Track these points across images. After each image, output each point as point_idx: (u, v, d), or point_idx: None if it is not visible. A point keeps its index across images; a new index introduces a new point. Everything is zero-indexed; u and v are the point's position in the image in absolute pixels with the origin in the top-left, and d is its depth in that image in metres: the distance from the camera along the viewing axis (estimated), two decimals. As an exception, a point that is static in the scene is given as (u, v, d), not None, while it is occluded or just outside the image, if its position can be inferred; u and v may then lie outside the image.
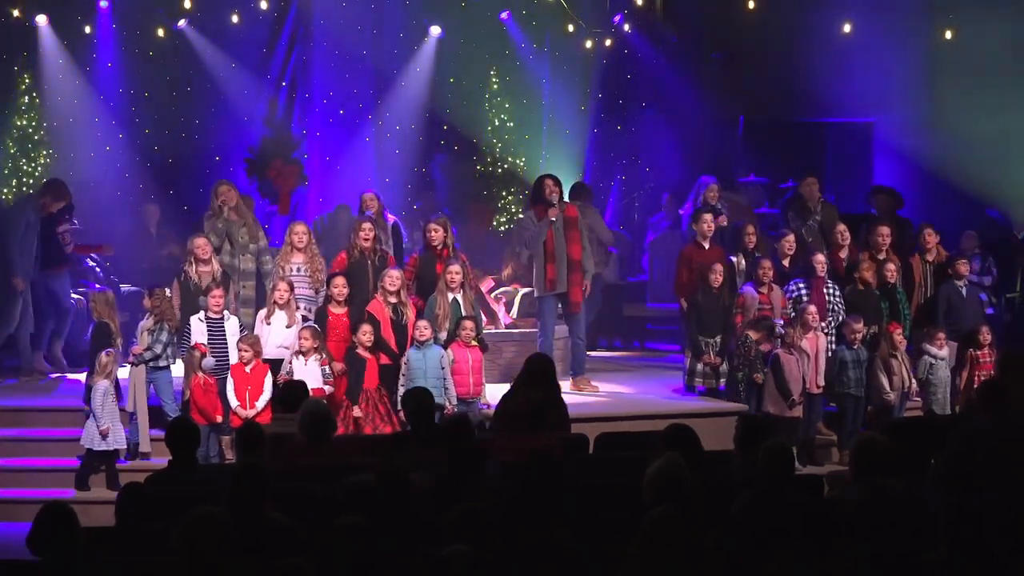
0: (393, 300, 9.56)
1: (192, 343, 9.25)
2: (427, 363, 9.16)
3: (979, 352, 10.25)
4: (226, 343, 9.33)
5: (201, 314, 9.43)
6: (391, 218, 11.84)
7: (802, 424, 9.84)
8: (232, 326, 9.45)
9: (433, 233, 10.17)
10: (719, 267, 10.34)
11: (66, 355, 11.37)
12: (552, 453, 6.34)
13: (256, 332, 9.44)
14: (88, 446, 8.85)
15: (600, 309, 12.76)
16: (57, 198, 11.18)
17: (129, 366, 9.25)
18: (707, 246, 10.82)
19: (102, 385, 8.87)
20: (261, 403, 8.94)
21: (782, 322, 10.22)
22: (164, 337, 9.22)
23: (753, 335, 9.84)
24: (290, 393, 8.26)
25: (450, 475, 6.26)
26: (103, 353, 8.96)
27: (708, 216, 10.96)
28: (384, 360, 9.37)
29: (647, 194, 14.79)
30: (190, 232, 10.56)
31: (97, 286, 11.45)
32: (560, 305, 10.47)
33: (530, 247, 10.39)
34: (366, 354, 9.24)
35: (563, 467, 6.05)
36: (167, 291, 9.60)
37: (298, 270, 10.00)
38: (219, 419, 9.02)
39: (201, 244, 9.84)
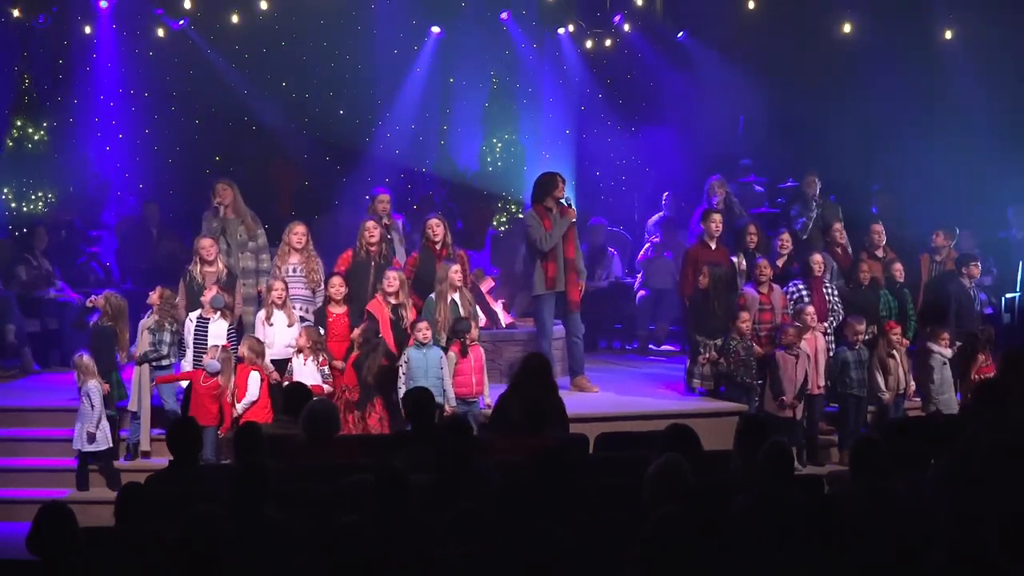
0: (393, 300, 9.56)
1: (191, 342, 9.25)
2: (428, 363, 9.16)
3: (978, 353, 10.24)
4: (206, 344, 9.26)
5: (196, 313, 9.43)
6: (398, 217, 11.80)
7: (803, 424, 9.84)
8: (217, 328, 9.36)
9: (436, 229, 10.18)
10: (705, 268, 10.30)
11: (65, 354, 11.40)
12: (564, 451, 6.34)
13: (258, 334, 9.43)
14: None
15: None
16: None
17: (136, 366, 9.25)
18: (714, 246, 10.81)
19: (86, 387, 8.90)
20: (242, 406, 8.88)
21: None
22: (167, 337, 9.24)
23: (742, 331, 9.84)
24: (293, 396, 8.24)
25: (448, 475, 6.26)
26: (76, 356, 8.98)
27: (717, 216, 10.95)
28: (382, 361, 9.35)
29: (647, 194, 14.77)
30: (190, 232, 10.53)
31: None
32: (557, 304, 10.42)
33: (544, 244, 10.24)
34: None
35: (575, 465, 6.06)
36: (172, 292, 9.58)
37: (294, 270, 9.99)
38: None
39: (206, 245, 9.85)
